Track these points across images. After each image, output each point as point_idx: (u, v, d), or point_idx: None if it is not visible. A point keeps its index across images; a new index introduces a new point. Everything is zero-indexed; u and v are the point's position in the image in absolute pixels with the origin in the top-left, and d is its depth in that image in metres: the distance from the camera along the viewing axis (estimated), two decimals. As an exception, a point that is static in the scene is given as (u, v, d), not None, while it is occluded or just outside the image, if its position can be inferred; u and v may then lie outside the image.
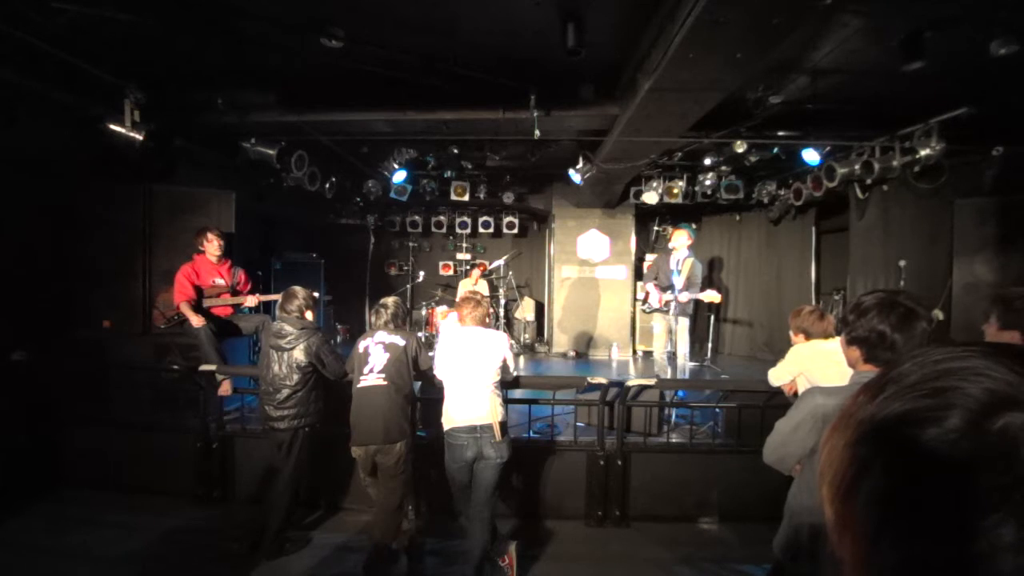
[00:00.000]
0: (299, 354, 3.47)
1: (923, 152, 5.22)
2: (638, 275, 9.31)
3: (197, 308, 4.58)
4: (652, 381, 4.18)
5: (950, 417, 0.38)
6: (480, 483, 3.07)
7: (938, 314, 5.31)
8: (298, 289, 3.65)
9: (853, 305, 1.73)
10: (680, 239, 5.64)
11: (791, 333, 3.17)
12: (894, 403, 0.42)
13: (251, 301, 4.83)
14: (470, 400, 3.06)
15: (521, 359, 8.79)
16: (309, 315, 3.64)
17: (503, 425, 3.08)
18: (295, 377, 3.46)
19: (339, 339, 9.59)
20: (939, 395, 0.40)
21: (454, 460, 3.09)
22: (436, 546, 3.67)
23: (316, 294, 5.11)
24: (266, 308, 5.81)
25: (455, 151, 6.77)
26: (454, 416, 3.09)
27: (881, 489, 0.41)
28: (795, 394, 3.02)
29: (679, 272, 5.54)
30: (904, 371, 0.44)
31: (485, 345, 3.17)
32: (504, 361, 3.23)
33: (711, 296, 5.48)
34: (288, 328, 3.51)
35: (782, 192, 7.72)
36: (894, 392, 0.43)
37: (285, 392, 3.44)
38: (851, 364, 1.76)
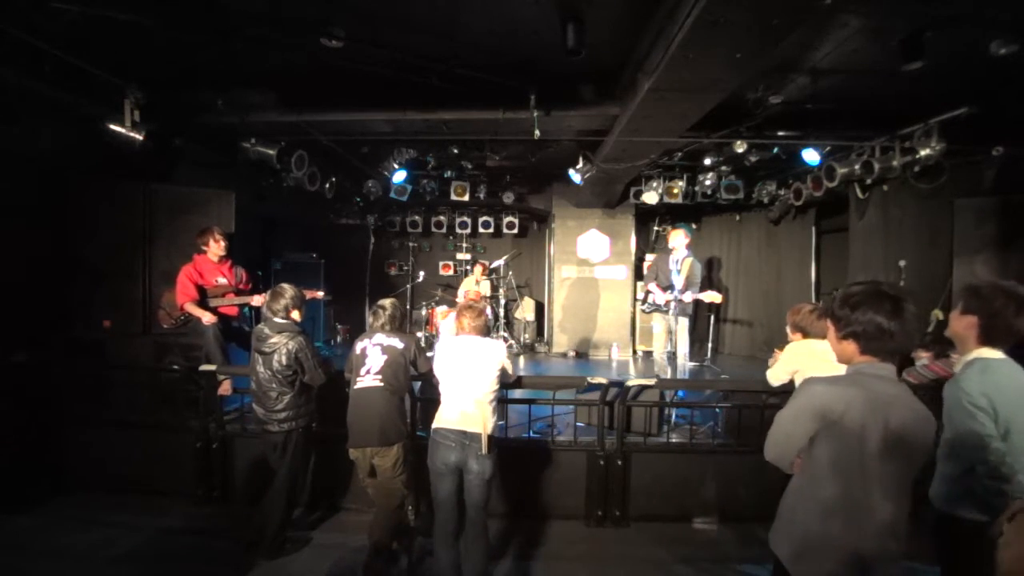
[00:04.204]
0: (280, 358, 3.37)
1: (923, 152, 5.22)
2: (638, 275, 9.31)
3: (203, 308, 4.56)
4: (652, 381, 4.17)
5: None
6: (470, 501, 2.98)
7: (938, 314, 5.30)
8: (286, 287, 3.49)
9: (841, 300, 1.71)
10: (677, 239, 5.62)
11: (788, 330, 3.16)
12: None
13: (257, 301, 4.74)
14: (464, 409, 3.00)
15: (521, 359, 8.79)
16: (296, 315, 3.50)
17: (491, 439, 2.97)
18: (280, 381, 3.39)
19: (339, 339, 9.59)
20: None
21: (436, 462, 2.96)
22: (436, 546, 3.66)
23: (320, 294, 5.10)
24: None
25: (455, 151, 6.77)
26: (445, 419, 3.02)
27: None
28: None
29: (679, 272, 5.53)
30: None
31: (483, 355, 3.10)
32: (502, 369, 3.19)
33: (712, 296, 5.47)
34: (267, 331, 3.39)
35: (782, 192, 7.73)
36: None
37: (273, 395, 3.39)
38: (845, 359, 1.74)
